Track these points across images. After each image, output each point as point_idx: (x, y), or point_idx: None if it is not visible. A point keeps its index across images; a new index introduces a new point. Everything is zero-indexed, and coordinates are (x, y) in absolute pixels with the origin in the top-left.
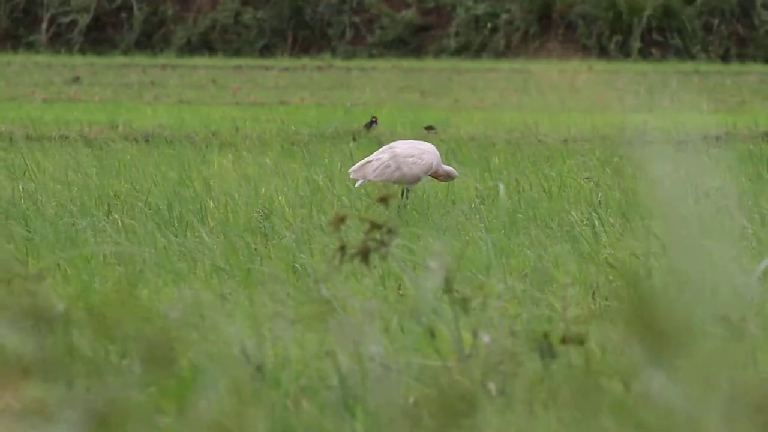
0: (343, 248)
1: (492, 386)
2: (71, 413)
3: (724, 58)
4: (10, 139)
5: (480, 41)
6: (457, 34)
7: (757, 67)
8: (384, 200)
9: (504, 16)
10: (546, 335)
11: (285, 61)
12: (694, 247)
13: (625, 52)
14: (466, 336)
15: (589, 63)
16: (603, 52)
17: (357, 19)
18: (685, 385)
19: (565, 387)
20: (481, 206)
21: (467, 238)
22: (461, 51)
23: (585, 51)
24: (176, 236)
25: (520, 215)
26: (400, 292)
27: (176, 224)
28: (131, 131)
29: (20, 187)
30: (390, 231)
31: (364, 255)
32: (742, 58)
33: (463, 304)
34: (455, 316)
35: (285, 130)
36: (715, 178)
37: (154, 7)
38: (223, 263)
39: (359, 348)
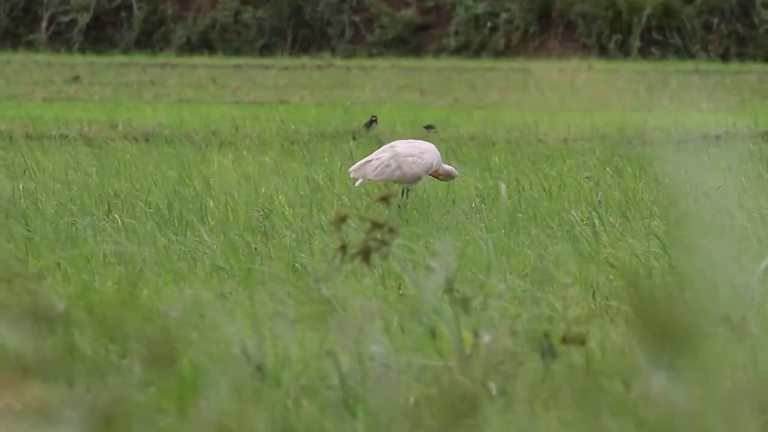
0: (344, 248)
1: (493, 386)
2: (72, 413)
3: (724, 57)
4: (10, 138)
5: (480, 40)
6: (456, 33)
7: (757, 66)
8: (384, 199)
9: (504, 15)
10: (546, 335)
11: (285, 60)
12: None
13: (624, 51)
14: (467, 336)
15: (588, 62)
16: (603, 51)
17: (357, 18)
18: (686, 385)
19: (566, 387)
20: (482, 206)
21: (467, 237)
22: (461, 50)
23: (585, 50)
24: (176, 236)
25: (520, 215)
26: (401, 291)
27: (176, 223)
28: (131, 130)
29: (20, 186)
30: (391, 230)
31: (365, 254)
32: (741, 57)
33: (464, 303)
34: (456, 316)
35: (285, 129)
36: (715, 177)
37: (154, 6)
38: (223, 263)
39: (360, 348)
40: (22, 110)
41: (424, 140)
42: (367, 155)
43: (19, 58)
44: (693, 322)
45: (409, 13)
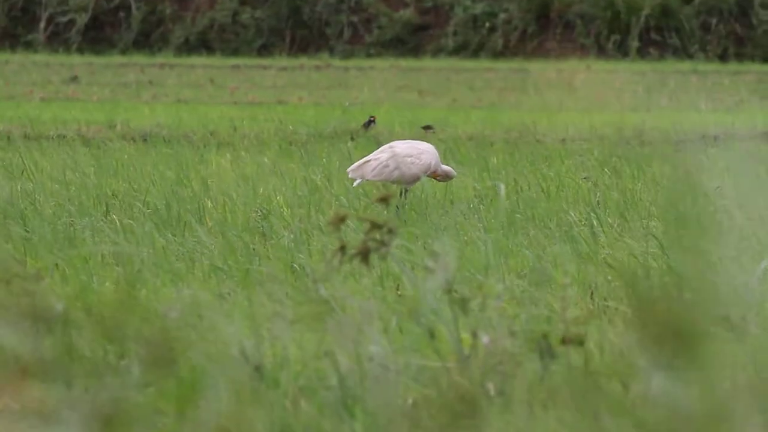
0: (342, 248)
1: (491, 387)
2: (70, 414)
3: (722, 57)
4: (8, 138)
5: (478, 41)
6: (455, 33)
7: (756, 67)
8: (383, 200)
9: (502, 16)
10: (545, 336)
11: (283, 61)
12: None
13: (623, 51)
14: (466, 336)
15: (587, 62)
16: (601, 52)
17: (355, 19)
18: (685, 386)
19: (565, 388)
20: (480, 206)
21: (466, 238)
22: (459, 50)
23: (583, 50)
24: (174, 236)
25: (518, 215)
26: (399, 292)
27: (174, 224)
28: (129, 131)
29: (18, 186)
30: (390, 231)
31: (364, 255)
32: (740, 57)
33: (462, 304)
34: (454, 317)
35: (283, 129)
36: (713, 177)
37: (152, 7)
38: (221, 263)
39: (358, 348)
40: (20, 110)
41: (423, 141)
42: (366, 156)
43: (17, 58)
44: (692, 322)
45: (407, 13)
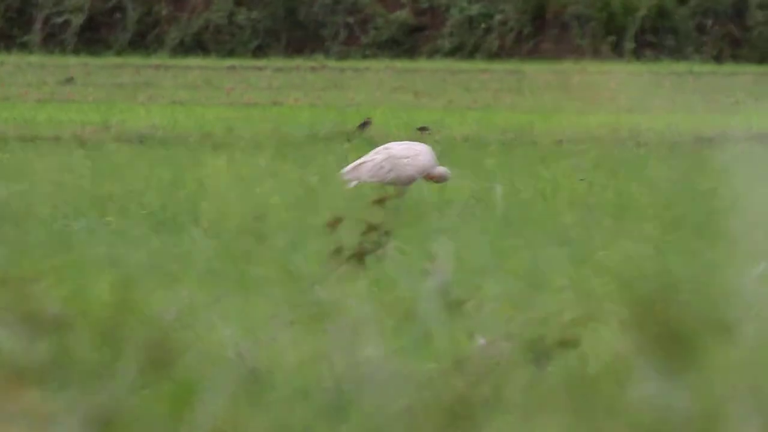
0: (338, 250)
1: (487, 390)
2: (67, 417)
3: (718, 59)
4: (3, 139)
5: (474, 42)
6: (451, 34)
7: (751, 68)
8: (379, 202)
9: (498, 17)
10: (541, 338)
11: (278, 62)
12: (688, 250)
13: (618, 52)
14: (461, 339)
15: (582, 64)
16: (597, 53)
17: (351, 20)
18: (680, 388)
19: (560, 390)
20: (476, 208)
21: (462, 240)
22: (455, 52)
23: (579, 52)
24: (170, 238)
25: (514, 217)
26: (395, 294)
27: (170, 226)
28: (125, 132)
29: (13, 188)
30: (386, 233)
31: (360, 257)
32: (735, 59)
33: (458, 307)
34: (450, 319)
35: (279, 131)
36: (708, 179)
37: (148, 8)
38: (216, 265)
39: (353, 351)
40: (16, 111)
41: (418, 142)
42: (361, 157)
43: (12, 59)
44: (687, 325)
45: (403, 14)
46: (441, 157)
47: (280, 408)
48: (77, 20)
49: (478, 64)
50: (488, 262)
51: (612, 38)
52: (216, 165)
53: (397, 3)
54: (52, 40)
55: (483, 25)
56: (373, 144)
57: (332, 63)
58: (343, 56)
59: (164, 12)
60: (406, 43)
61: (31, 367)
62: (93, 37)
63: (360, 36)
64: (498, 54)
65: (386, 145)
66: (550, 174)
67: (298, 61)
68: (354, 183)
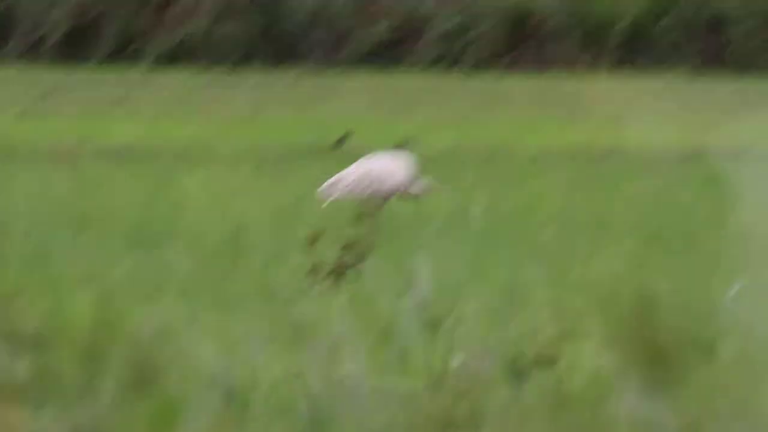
0: (317, 267)
1: (466, 407)
2: None
3: (698, 72)
4: None
5: (452, 56)
6: (429, 48)
7: (730, 83)
8: (358, 218)
9: (476, 31)
10: (518, 356)
11: (258, 76)
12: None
13: (597, 66)
14: (438, 357)
15: (561, 77)
16: (576, 67)
17: (330, 33)
18: (658, 406)
19: (540, 407)
20: (453, 224)
21: (440, 256)
22: (434, 65)
23: (558, 65)
24: (148, 254)
25: (492, 234)
26: (374, 311)
27: (148, 242)
28: (103, 147)
29: None
30: (365, 249)
31: (339, 273)
32: (714, 73)
33: (435, 324)
34: (429, 336)
35: (257, 145)
36: (686, 195)
37: (127, 22)
38: (193, 283)
39: (333, 368)
40: None
41: (397, 157)
42: (340, 172)
43: None
44: (668, 342)
45: (382, 28)
46: (420, 173)
47: (259, 426)
48: (56, 34)
49: (457, 78)
50: (467, 278)
51: (591, 52)
52: (195, 180)
53: (377, 17)
54: (30, 54)
55: (461, 40)
56: (352, 158)
57: (311, 77)
58: (322, 70)
59: (143, 26)
60: (386, 56)
61: (11, 384)
62: (71, 51)
63: (339, 50)
64: (476, 68)
65: (364, 160)
66: (528, 190)
67: (277, 75)
68: (332, 199)
